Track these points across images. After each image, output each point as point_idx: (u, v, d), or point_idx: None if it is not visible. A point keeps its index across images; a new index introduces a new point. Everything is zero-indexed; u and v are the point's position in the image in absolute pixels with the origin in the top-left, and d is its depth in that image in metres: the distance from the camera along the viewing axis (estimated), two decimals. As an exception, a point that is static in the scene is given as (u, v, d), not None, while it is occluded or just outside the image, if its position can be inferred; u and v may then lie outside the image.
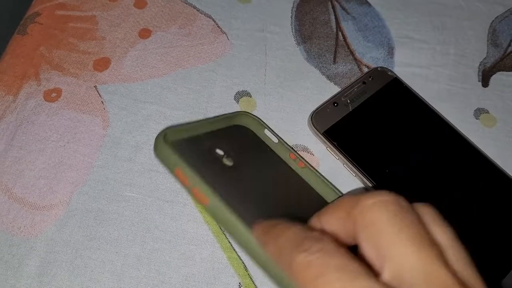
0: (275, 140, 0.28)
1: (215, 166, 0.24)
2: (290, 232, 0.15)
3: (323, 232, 0.16)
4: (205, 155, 0.25)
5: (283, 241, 0.15)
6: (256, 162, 0.27)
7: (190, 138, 0.25)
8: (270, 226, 0.17)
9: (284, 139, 0.28)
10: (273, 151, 0.28)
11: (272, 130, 0.28)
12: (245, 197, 0.23)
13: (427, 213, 0.15)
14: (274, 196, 0.25)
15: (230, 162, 0.25)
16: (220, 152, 0.25)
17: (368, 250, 0.14)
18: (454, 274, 0.13)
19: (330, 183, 0.26)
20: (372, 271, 0.14)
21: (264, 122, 0.28)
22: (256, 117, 0.28)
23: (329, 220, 0.16)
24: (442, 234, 0.15)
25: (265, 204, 0.24)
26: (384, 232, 0.14)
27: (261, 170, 0.26)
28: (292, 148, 0.28)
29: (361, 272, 0.13)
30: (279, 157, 0.27)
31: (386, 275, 0.14)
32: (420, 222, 0.14)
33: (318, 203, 0.25)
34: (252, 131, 0.28)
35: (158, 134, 0.24)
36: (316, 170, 0.27)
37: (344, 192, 0.26)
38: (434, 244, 0.14)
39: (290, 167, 0.27)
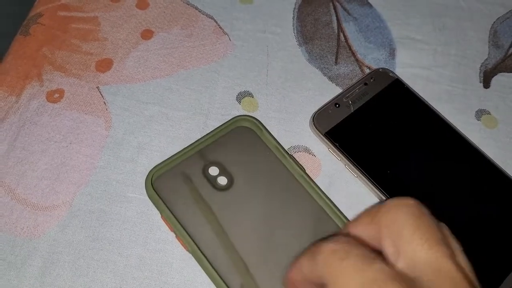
0: (275, 144, 0.27)
1: (204, 196, 0.25)
2: (310, 246, 0.17)
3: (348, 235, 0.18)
4: (195, 183, 0.25)
5: (308, 251, 0.17)
6: (255, 172, 0.26)
7: (180, 166, 0.26)
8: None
9: (285, 139, 0.28)
10: (276, 157, 0.27)
11: (271, 135, 0.27)
12: (234, 233, 0.24)
13: (443, 226, 0.17)
14: (273, 215, 0.25)
15: (224, 181, 0.25)
16: (213, 171, 0.25)
17: (387, 246, 0.16)
18: (463, 271, 0.15)
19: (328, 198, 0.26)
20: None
21: (263, 126, 0.28)
22: (256, 119, 0.28)
23: (356, 226, 0.18)
24: (454, 243, 0.17)
25: (261, 229, 0.24)
26: (402, 230, 0.16)
27: (260, 183, 0.25)
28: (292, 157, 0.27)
29: (378, 259, 0.15)
30: (282, 163, 0.26)
31: (399, 265, 0.15)
32: (436, 226, 0.16)
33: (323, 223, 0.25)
34: (253, 132, 0.28)
35: (147, 175, 0.25)
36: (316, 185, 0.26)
37: (338, 205, 0.25)
38: (447, 245, 0.16)
39: (292, 175, 0.26)
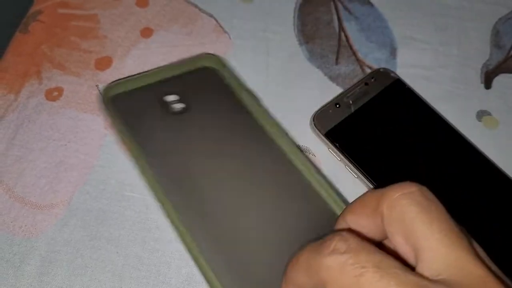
0: (242, 86, 0.26)
1: (157, 116, 0.24)
2: (305, 251, 0.15)
3: (350, 231, 0.16)
4: (149, 106, 0.25)
5: (303, 259, 0.14)
6: (215, 108, 0.25)
7: (135, 89, 0.25)
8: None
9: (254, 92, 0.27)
10: (239, 99, 0.26)
11: (236, 78, 0.27)
12: (182, 149, 0.24)
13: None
14: (224, 147, 0.24)
15: (180, 107, 0.25)
16: (170, 98, 0.25)
17: (399, 244, 0.14)
18: (487, 266, 0.13)
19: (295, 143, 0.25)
20: (403, 263, 0.13)
21: (230, 67, 0.27)
22: (223, 59, 0.27)
23: (356, 220, 0.16)
24: (468, 235, 0.15)
25: (207, 156, 0.24)
26: (416, 226, 0.14)
27: (219, 118, 0.25)
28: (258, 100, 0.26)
29: (398, 266, 0.13)
30: (245, 107, 0.26)
31: (420, 268, 0.13)
32: (446, 212, 0.14)
33: (281, 162, 0.24)
34: (218, 74, 0.27)
35: (103, 89, 0.25)
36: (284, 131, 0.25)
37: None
38: (463, 237, 0.14)
39: (255, 120, 0.25)
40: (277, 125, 0.25)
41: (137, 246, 0.24)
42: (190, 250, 0.22)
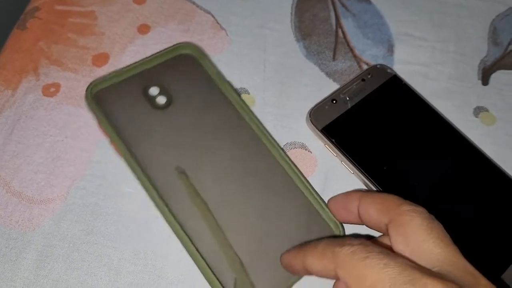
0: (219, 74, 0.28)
1: (142, 111, 0.26)
2: (323, 242, 0.19)
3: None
4: (134, 100, 0.26)
5: (321, 247, 0.19)
6: (194, 96, 0.27)
7: (119, 84, 0.27)
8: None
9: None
10: (220, 88, 0.28)
11: (214, 65, 0.29)
12: (167, 141, 0.25)
13: None
14: (207, 137, 0.26)
15: (163, 101, 0.26)
16: (153, 91, 0.26)
17: (397, 243, 0.18)
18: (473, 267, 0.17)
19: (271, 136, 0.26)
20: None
21: (208, 56, 0.29)
22: (198, 46, 0.29)
23: (369, 209, 0.20)
24: None
25: (192, 150, 0.25)
26: (417, 231, 0.18)
27: (202, 109, 0.26)
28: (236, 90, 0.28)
29: (397, 255, 0.17)
30: (226, 96, 0.27)
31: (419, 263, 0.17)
32: (442, 228, 0.19)
33: (261, 153, 0.26)
34: (197, 62, 0.28)
35: (87, 87, 0.26)
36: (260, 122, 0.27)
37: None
38: (454, 244, 0.18)
39: (235, 109, 0.27)
40: (255, 117, 0.27)
41: (133, 241, 0.24)
42: (181, 238, 0.23)
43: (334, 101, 0.29)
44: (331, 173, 0.27)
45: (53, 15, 0.32)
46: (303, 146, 0.28)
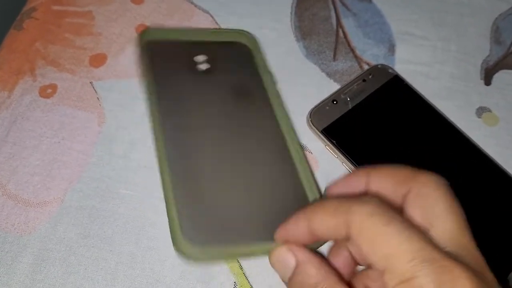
0: (268, 71, 0.28)
1: (183, 69, 0.27)
2: (333, 199, 0.18)
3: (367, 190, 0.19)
4: (180, 60, 0.27)
5: (330, 205, 0.17)
6: (235, 76, 0.27)
7: (170, 42, 0.28)
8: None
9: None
10: (260, 77, 0.28)
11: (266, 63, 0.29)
12: (192, 104, 0.25)
13: None
14: (231, 109, 0.26)
15: (205, 67, 0.27)
16: (200, 58, 0.27)
17: (415, 216, 0.17)
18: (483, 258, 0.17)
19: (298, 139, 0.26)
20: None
21: (262, 51, 0.29)
22: (257, 42, 0.29)
23: (383, 181, 0.19)
24: None
25: (213, 115, 0.25)
26: (435, 206, 0.17)
27: (235, 85, 0.27)
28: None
29: (418, 229, 0.16)
30: (262, 84, 0.28)
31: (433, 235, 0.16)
32: (459, 203, 0.17)
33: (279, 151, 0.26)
34: (249, 52, 0.29)
35: (142, 32, 0.27)
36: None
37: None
38: (467, 224, 0.17)
39: (267, 98, 0.27)
40: (284, 108, 0.27)
41: (131, 244, 0.24)
42: (164, 183, 0.23)
43: (334, 102, 0.29)
44: (332, 174, 0.27)
45: (50, 15, 0.32)
46: (304, 147, 0.28)
